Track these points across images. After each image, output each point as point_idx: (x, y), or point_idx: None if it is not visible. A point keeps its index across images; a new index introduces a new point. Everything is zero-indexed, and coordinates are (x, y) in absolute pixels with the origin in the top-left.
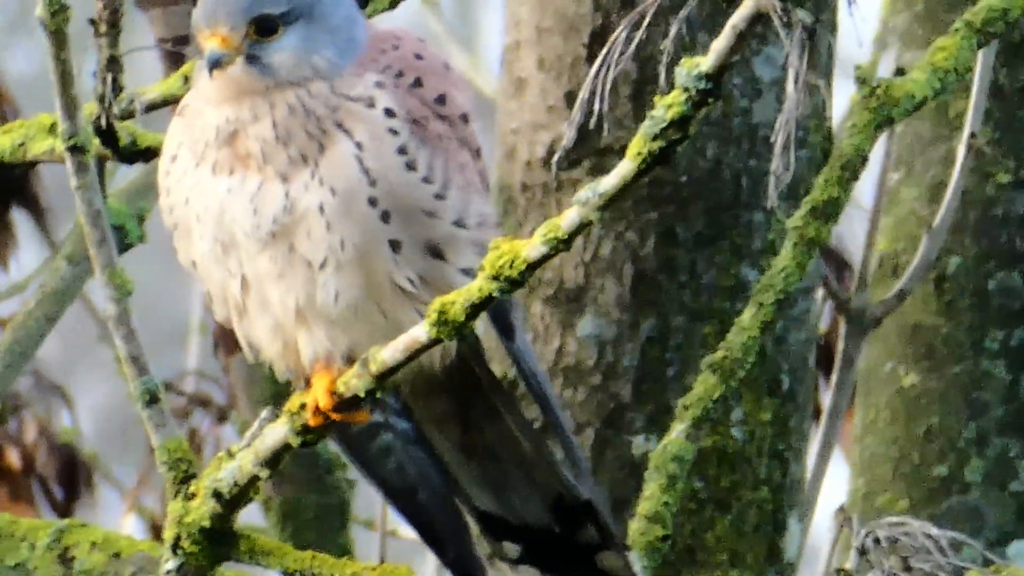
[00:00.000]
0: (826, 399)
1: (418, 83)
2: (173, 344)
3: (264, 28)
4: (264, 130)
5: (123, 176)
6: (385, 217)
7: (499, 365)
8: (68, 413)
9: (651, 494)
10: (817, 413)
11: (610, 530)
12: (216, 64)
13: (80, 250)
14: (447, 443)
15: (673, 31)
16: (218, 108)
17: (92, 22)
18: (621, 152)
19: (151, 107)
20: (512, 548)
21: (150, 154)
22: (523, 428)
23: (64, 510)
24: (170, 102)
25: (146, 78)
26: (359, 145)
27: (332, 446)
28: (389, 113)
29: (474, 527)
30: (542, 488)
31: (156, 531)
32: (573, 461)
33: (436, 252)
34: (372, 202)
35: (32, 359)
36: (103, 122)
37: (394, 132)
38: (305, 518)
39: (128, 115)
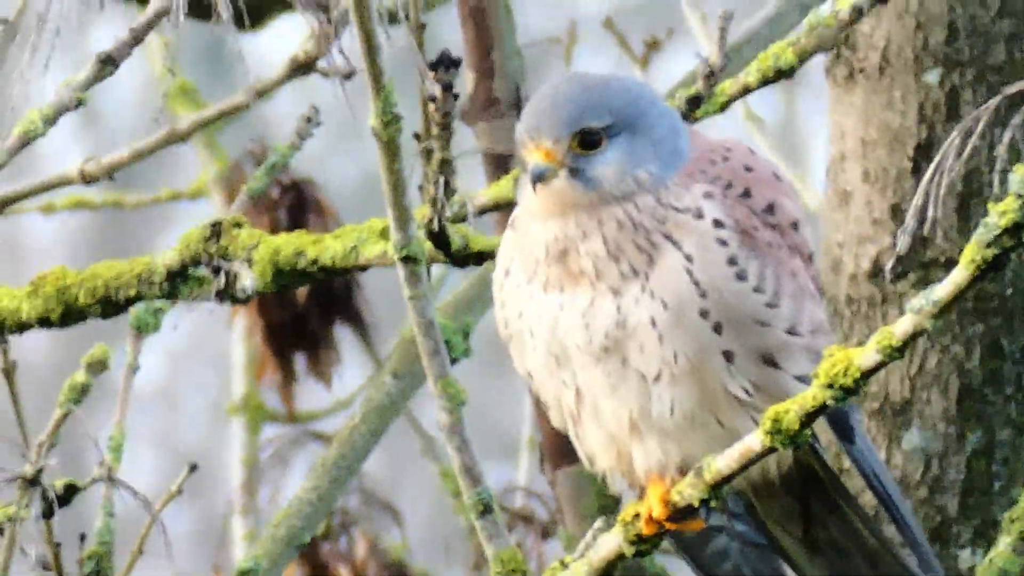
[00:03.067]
0: None
1: (747, 194)
2: (501, 459)
3: (587, 141)
4: (596, 247)
5: (448, 289)
6: (717, 328)
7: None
8: (397, 529)
9: None
10: None
11: None
12: (540, 177)
13: (405, 364)
14: (790, 539)
15: (1006, 138)
16: (544, 224)
17: (417, 137)
18: (947, 265)
19: (482, 210)
20: None
21: (482, 257)
22: (864, 521)
23: None
24: (501, 206)
25: (474, 190)
26: (688, 257)
27: (659, 560)
28: (718, 224)
29: None
30: None
31: None
32: (920, 554)
33: (770, 360)
34: (704, 314)
35: (357, 474)
36: (435, 225)
37: (723, 243)
38: None
39: (460, 218)
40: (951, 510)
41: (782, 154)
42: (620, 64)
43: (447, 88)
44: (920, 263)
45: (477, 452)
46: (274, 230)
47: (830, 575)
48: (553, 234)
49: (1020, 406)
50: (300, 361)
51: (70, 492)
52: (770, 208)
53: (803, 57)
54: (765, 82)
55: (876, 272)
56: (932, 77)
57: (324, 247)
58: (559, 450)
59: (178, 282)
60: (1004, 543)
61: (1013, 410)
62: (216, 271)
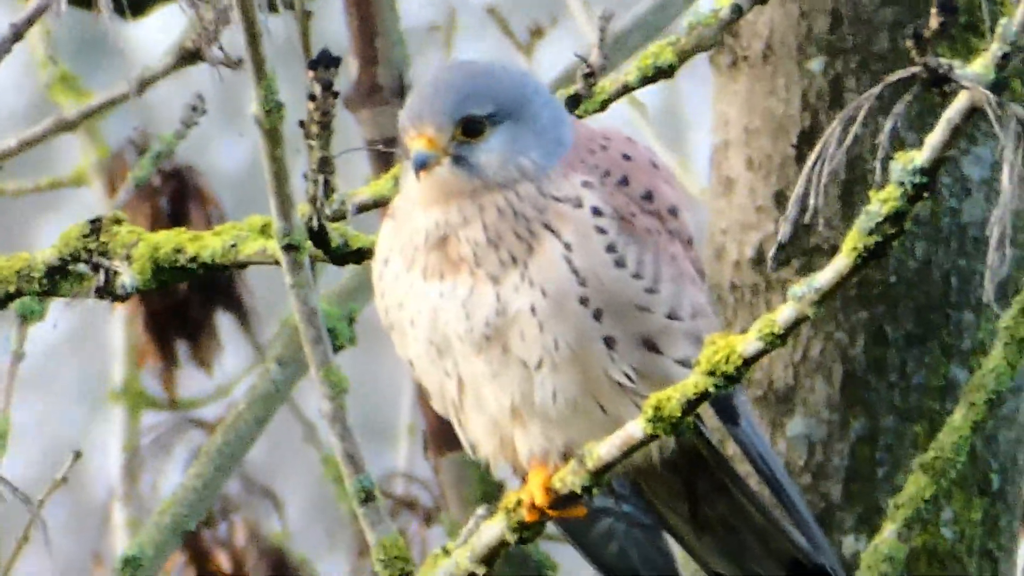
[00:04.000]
0: None
1: (625, 181)
2: (381, 445)
3: (470, 129)
4: (475, 233)
5: (332, 276)
6: (597, 315)
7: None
8: (278, 516)
9: None
10: None
11: None
12: (422, 165)
13: (289, 352)
14: (678, 518)
15: (888, 125)
16: (426, 211)
17: (302, 124)
18: (831, 251)
19: (362, 208)
20: None
21: (362, 255)
22: (752, 500)
23: None
24: (380, 204)
25: (356, 179)
26: (568, 245)
27: (543, 547)
28: (596, 212)
29: None
30: (777, 553)
31: None
32: (808, 534)
33: (651, 345)
34: (583, 301)
35: (240, 462)
36: (315, 223)
37: (602, 230)
38: None
39: (339, 216)
40: (835, 497)
41: (665, 141)
42: (503, 52)
43: (327, 87)
44: (803, 250)
45: (360, 438)
46: (155, 218)
47: (719, 552)
48: (434, 221)
49: (904, 393)
50: (182, 348)
51: None
52: (648, 195)
53: (683, 57)
54: (645, 81)
55: (759, 259)
56: (816, 65)
57: (203, 244)
58: (442, 437)
59: (58, 279)
60: (889, 529)
61: (897, 397)
62: (96, 268)
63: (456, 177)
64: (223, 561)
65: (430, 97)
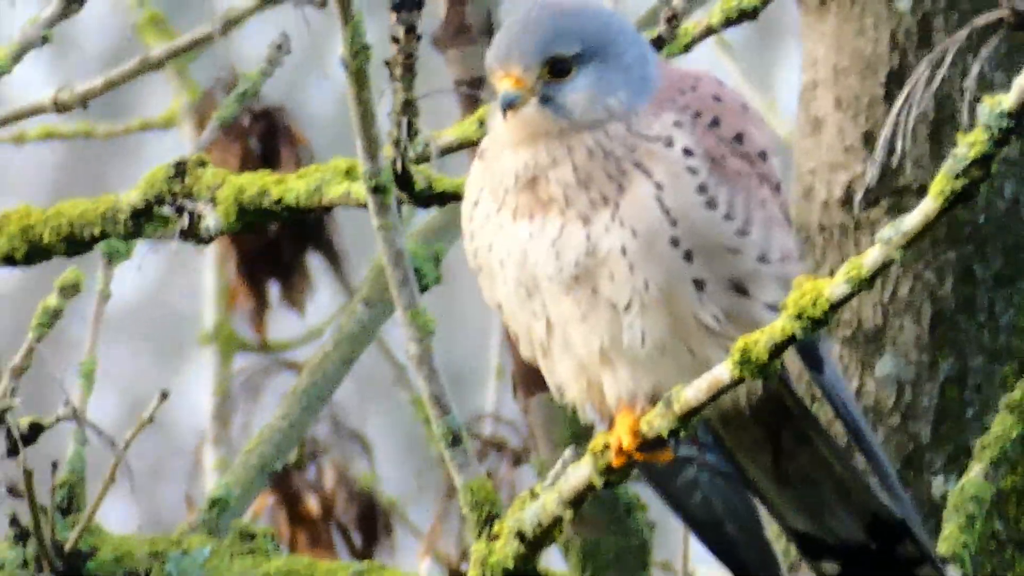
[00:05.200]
0: None
1: (715, 122)
2: (470, 388)
3: (557, 69)
4: (565, 174)
5: (419, 218)
6: (688, 256)
7: (804, 385)
8: (366, 458)
9: (950, 534)
10: None
11: (927, 546)
12: (510, 105)
13: (376, 293)
14: (760, 471)
15: (974, 70)
16: (515, 152)
17: (387, 64)
18: (919, 191)
19: (446, 150)
20: (831, 566)
21: (445, 198)
22: (835, 452)
23: (363, 556)
24: (465, 146)
25: (443, 119)
26: (658, 185)
27: (633, 488)
28: (687, 152)
29: (784, 552)
30: (857, 508)
31: (452, 574)
32: (887, 484)
33: (740, 288)
34: (674, 242)
35: (328, 403)
36: (398, 166)
37: (693, 171)
38: (605, 560)
39: (423, 159)
40: (924, 437)
41: (753, 81)
42: None
43: (410, 29)
44: (892, 190)
45: (448, 380)
46: (245, 158)
47: (799, 507)
48: (523, 161)
49: (992, 333)
50: (273, 289)
51: (35, 430)
52: (739, 137)
53: None
54: (728, 23)
55: (848, 199)
56: (904, 4)
57: (288, 187)
58: (531, 378)
59: (142, 221)
60: (976, 470)
61: (986, 337)
62: (180, 211)
63: (543, 117)
64: (312, 504)
65: (517, 37)
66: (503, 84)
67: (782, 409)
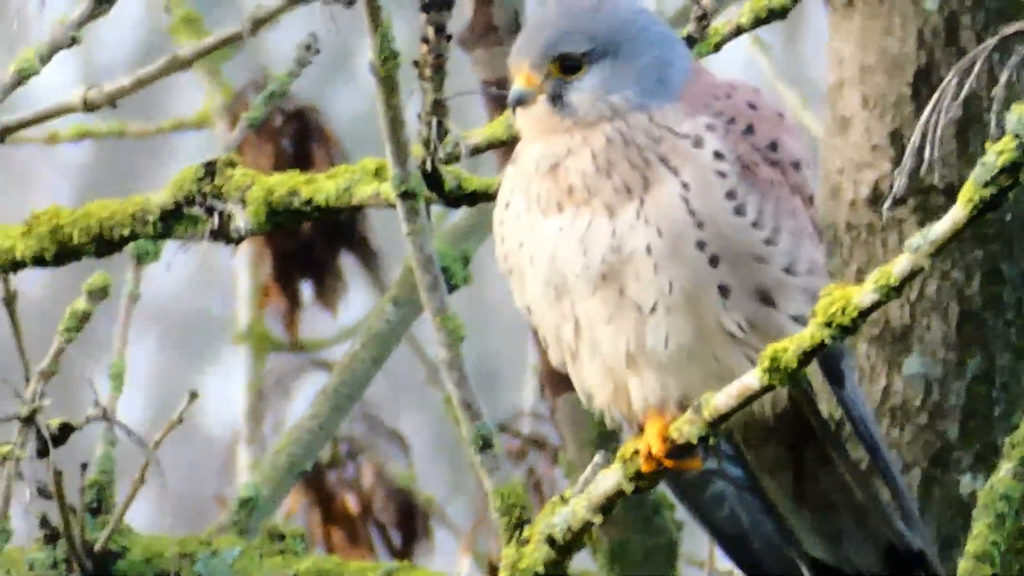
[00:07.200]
0: None
1: (750, 130)
2: (507, 385)
3: (567, 67)
4: (583, 162)
5: (448, 217)
6: (714, 261)
7: (826, 405)
8: (403, 457)
9: (979, 533)
10: None
11: None
12: (518, 102)
13: (406, 292)
14: (780, 491)
15: (1003, 78)
16: (534, 145)
17: (416, 64)
18: (947, 191)
19: (476, 151)
20: None
21: (476, 198)
22: (855, 475)
23: (402, 555)
24: (495, 146)
25: (472, 119)
26: (685, 185)
27: (661, 487)
28: (718, 155)
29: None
30: (874, 536)
31: (492, 573)
32: (904, 509)
33: (766, 298)
34: (700, 245)
35: (360, 401)
36: (428, 166)
37: (722, 175)
38: (634, 559)
39: (453, 159)
40: (952, 436)
41: (787, 79)
42: None
43: (439, 30)
44: (919, 189)
45: (488, 377)
46: (278, 158)
47: (817, 531)
48: (541, 151)
49: (1020, 331)
50: (306, 289)
51: (65, 431)
52: (773, 146)
53: None
54: (758, 23)
55: (875, 199)
56: (931, 3)
57: (317, 187)
58: (558, 378)
59: (172, 222)
60: (1005, 468)
61: (1013, 335)
62: (210, 211)
63: (550, 115)
64: (350, 502)
65: (530, 35)
66: (516, 82)
67: (805, 427)
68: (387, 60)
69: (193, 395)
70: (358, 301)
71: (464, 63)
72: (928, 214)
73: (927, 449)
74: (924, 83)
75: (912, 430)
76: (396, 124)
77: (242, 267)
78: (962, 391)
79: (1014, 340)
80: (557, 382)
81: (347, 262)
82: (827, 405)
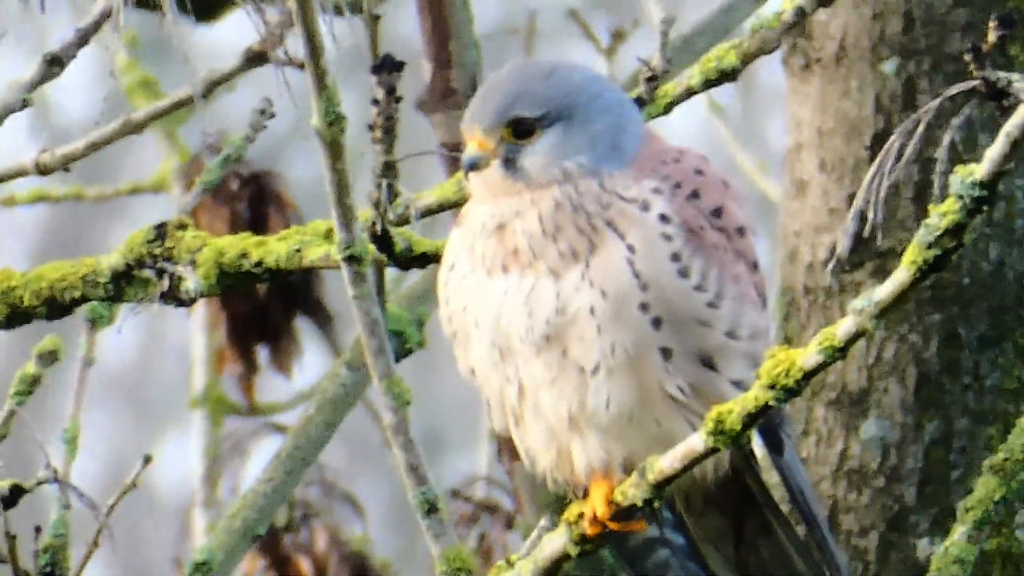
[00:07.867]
0: None
1: (696, 195)
2: (462, 450)
3: (520, 131)
4: (529, 224)
5: (405, 280)
6: (656, 323)
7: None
8: (359, 521)
9: None
10: None
11: None
12: (472, 167)
13: (361, 356)
14: (722, 561)
15: (946, 140)
16: (482, 205)
17: (369, 127)
18: (903, 254)
19: (426, 212)
20: None
21: (426, 260)
22: (797, 546)
23: None
24: (446, 207)
25: (431, 182)
26: (631, 248)
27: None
28: (664, 218)
29: None
30: None
31: None
32: None
33: (708, 362)
34: (644, 307)
35: (314, 465)
36: (378, 228)
37: (668, 238)
38: None
39: (404, 221)
40: (909, 499)
41: (744, 144)
42: (584, 55)
43: (390, 92)
44: (877, 252)
45: (436, 442)
46: (234, 222)
47: None
48: (490, 212)
49: (977, 395)
50: (262, 353)
51: (16, 493)
52: (717, 212)
53: (746, 60)
54: (708, 85)
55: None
56: (889, 67)
57: (268, 249)
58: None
59: (123, 284)
60: (959, 532)
61: (971, 399)
62: (160, 274)
63: (503, 179)
64: (305, 566)
65: (483, 99)
66: (469, 146)
67: (747, 496)
68: (332, 124)
69: (147, 459)
70: (313, 364)
71: (424, 124)
72: (885, 277)
73: (884, 513)
74: (881, 147)
75: (869, 494)
76: (342, 188)
77: (197, 331)
78: (920, 455)
79: (972, 404)
80: (514, 445)
81: (302, 325)
82: (768, 475)
